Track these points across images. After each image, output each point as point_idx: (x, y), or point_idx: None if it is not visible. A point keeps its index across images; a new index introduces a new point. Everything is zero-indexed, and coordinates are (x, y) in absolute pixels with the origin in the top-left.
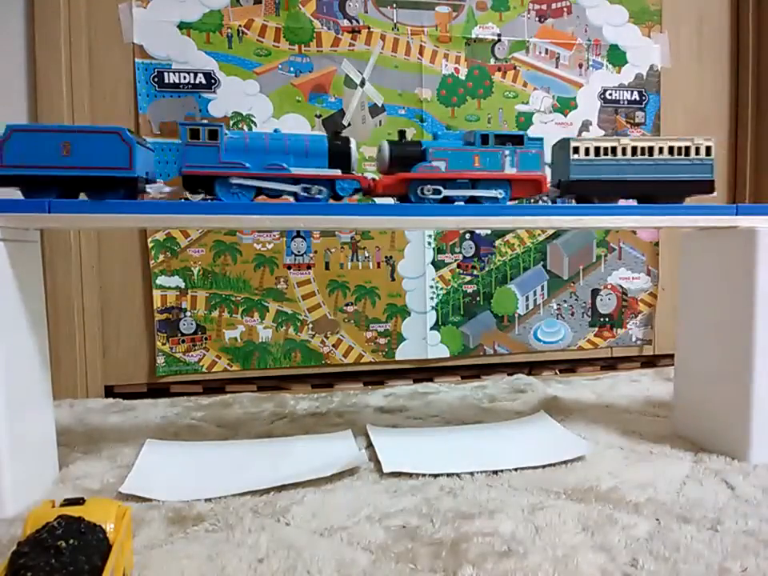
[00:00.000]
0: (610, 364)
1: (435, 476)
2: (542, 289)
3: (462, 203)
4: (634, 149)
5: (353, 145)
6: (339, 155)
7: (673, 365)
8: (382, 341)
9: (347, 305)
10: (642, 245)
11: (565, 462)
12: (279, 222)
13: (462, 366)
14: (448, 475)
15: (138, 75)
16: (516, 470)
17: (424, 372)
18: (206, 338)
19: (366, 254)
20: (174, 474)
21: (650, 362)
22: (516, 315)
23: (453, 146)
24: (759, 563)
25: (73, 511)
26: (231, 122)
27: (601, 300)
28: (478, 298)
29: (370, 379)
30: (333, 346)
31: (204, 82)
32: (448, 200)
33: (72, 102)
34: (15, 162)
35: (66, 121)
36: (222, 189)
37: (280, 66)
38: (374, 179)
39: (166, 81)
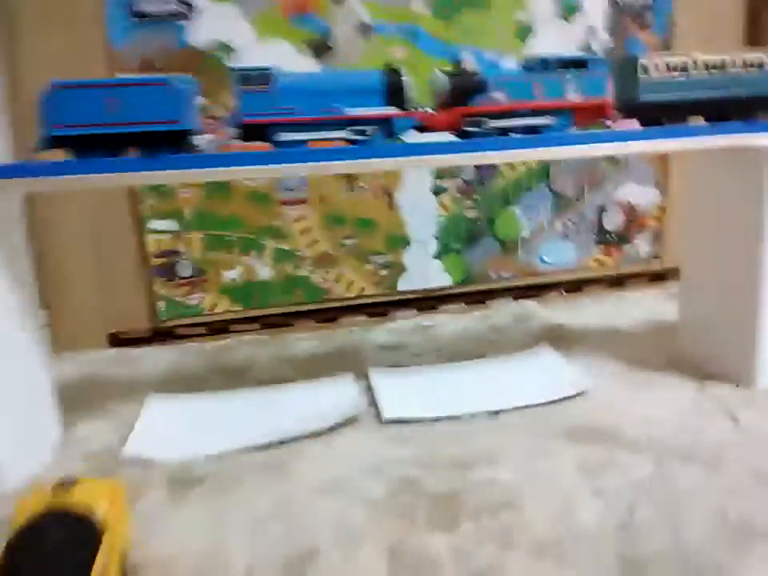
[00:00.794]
0: (618, 281)
1: (435, 420)
2: (546, 209)
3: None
4: (706, 64)
5: (406, 78)
6: (394, 91)
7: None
8: (383, 272)
9: (346, 238)
10: (651, 156)
11: (566, 399)
12: (268, 173)
13: (466, 294)
14: (448, 419)
15: (109, 8)
16: (516, 409)
17: (427, 301)
18: (204, 280)
19: (363, 185)
20: (173, 432)
21: (659, 276)
22: (520, 238)
23: (513, 74)
24: (762, 502)
25: (63, 497)
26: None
27: (607, 217)
28: (479, 223)
29: (373, 311)
30: (334, 280)
31: (182, 10)
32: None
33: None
34: (59, 123)
35: None
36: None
37: None
38: (431, 114)
39: (140, 10)
